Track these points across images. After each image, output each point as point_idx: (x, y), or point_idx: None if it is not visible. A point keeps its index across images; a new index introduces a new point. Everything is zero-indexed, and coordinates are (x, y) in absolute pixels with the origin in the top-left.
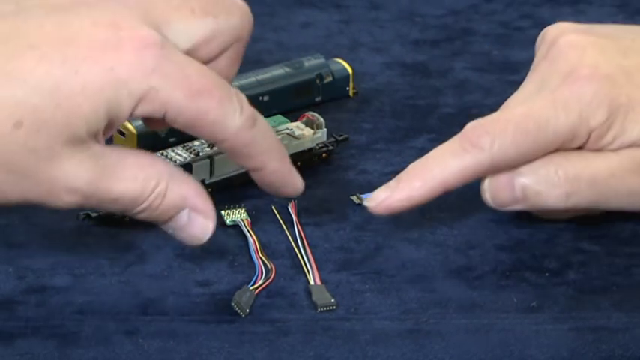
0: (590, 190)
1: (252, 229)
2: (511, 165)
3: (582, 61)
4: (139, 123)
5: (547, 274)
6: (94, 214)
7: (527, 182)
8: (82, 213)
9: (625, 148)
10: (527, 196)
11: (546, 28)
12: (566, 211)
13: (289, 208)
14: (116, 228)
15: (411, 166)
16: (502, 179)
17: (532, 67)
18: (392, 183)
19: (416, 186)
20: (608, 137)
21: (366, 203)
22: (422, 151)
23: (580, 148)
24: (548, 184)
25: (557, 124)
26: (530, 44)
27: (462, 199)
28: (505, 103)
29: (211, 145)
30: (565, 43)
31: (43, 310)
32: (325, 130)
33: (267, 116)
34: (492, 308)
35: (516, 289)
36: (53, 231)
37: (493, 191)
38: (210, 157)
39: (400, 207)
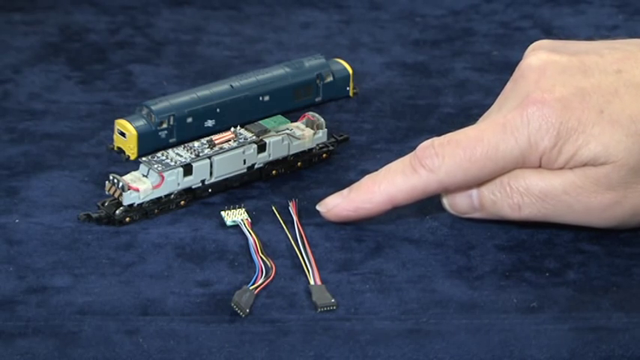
0: (543, 204)
1: (252, 229)
2: (460, 186)
3: (538, 84)
4: (139, 123)
5: (547, 274)
6: (94, 214)
7: (483, 190)
8: (82, 213)
9: (580, 166)
10: (483, 204)
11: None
12: (520, 220)
13: (290, 208)
14: (116, 228)
15: (364, 178)
16: None
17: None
18: (344, 191)
19: (363, 198)
20: (560, 160)
21: (318, 207)
22: None
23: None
24: (502, 195)
25: (505, 150)
26: (530, 44)
27: None
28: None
29: (211, 145)
30: (526, 65)
31: (44, 310)
32: (326, 130)
33: (267, 116)
34: (492, 308)
35: (516, 289)
36: (53, 231)
37: (450, 199)
38: (210, 157)
39: (347, 217)
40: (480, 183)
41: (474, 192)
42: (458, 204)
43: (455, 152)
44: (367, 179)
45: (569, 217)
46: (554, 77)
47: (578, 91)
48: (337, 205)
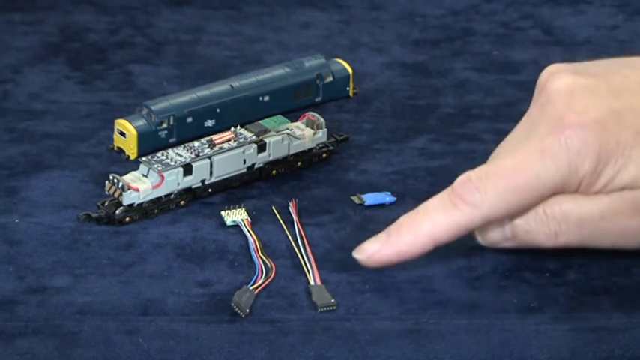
0: (580, 230)
1: (252, 229)
2: (503, 218)
3: (570, 107)
4: (139, 123)
5: (547, 274)
6: (94, 214)
7: (516, 221)
8: (82, 213)
9: (617, 190)
10: (516, 234)
11: (543, 71)
12: (554, 248)
13: (289, 208)
14: (116, 228)
15: (402, 219)
16: None
17: (527, 112)
18: (382, 235)
19: (406, 241)
20: (599, 184)
21: (355, 255)
22: (422, 151)
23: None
24: (537, 224)
25: (546, 178)
26: (530, 44)
27: None
28: (496, 150)
29: (211, 145)
30: (553, 89)
31: (43, 310)
32: (325, 130)
33: (267, 116)
34: (492, 308)
35: (516, 289)
36: (53, 231)
37: (483, 230)
38: (210, 157)
39: (389, 262)
40: (521, 213)
41: (507, 223)
42: (491, 236)
43: (496, 185)
44: (406, 220)
45: (606, 241)
46: (586, 99)
47: (612, 113)
48: (377, 251)
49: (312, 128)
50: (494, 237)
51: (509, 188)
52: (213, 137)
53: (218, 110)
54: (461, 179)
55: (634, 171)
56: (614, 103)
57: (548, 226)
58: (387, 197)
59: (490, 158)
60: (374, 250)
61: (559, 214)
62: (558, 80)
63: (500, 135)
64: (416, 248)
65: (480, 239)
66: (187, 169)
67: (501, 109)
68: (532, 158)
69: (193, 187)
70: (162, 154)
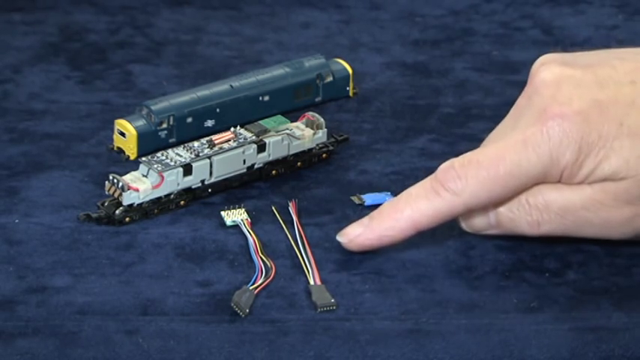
0: (562, 220)
1: (252, 229)
2: (484, 206)
3: (554, 98)
4: (139, 123)
5: (547, 274)
6: (94, 214)
7: (500, 209)
8: (82, 213)
9: (599, 181)
10: (500, 222)
11: (535, 62)
12: (538, 236)
13: (289, 208)
14: (116, 228)
15: (384, 205)
16: None
17: (516, 102)
18: (365, 220)
19: (387, 226)
20: (580, 175)
21: (338, 238)
22: (422, 151)
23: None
24: (520, 212)
25: (528, 167)
26: (530, 44)
27: None
28: (485, 141)
29: (211, 145)
30: (540, 80)
31: (43, 310)
32: (325, 130)
33: (267, 116)
34: (492, 308)
35: (516, 289)
36: (53, 231)
37: (467, 218)
38: (210, 157)
39: (370, 245)
40: (503, 201)
41: (492, 211)
42: (475, 223)
43: (478, 173)
44: (387, 206)
45: (588, 231)
46: (571, 91)
47: (596, 104)
48: (359, 235)
49: (312, 128)
50: (479, 224)
51: (490, 177)
52: (213, 137)
53: (218, 110)
54: (444, 166)
55: (615, 163)
56: (599, 95)
57: (530, 214)
58: (386, 197)
59: (478, 148)
60: (356, 234)
61: (542, 203)
62: (546, 71)
63: None
64: (396, 233)
65: (465, 226)
66: (187, 169)
67: (501, 109)
68: (514, 148)
69: (193, 187)
70: (162, 154)
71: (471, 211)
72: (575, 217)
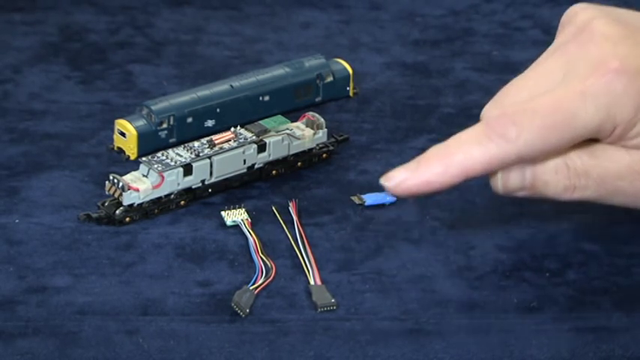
0: (598, 187)
1: (252, 229)
2: (536, 157)
3: (615, 52)
4: (139, 123)
5: (547, 274)
6: (94, 214)
7: (537, 170)
8: (82, 213)
9: (638, 148)
10: (535, 183)
11: (573, 8)
12: (569, 201)
13: (290, 208)
14: (116, 228)
15: (432, 150)
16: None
17: (555, 45)
18: (411, 164)
19: (436, 171)
20: (632, 133)
21: (383, 182)
22: (422, 151)
23: (597, 140)
24: (558, 175)
25: (585, 119)
26: (530, 44)
27: (462, 200)
28: (523, 77)
29: (211, 145)
30: (598, 31)
31: (44, 310)
32: (326, 130)
33: (267, 116)
34: (492, 308)
35: (516, 289)
36: (53, 231)
37: (505, 174)
38: (210, 157)
39: (417, 191)
40: (553, 154)
41: (528, 170)
42: (510, 180)
43: (533, 122)
44: (435, 151)
45: (621, 199)
46: (630, 49)
47: None
48: (406, 179)
49: (312, 128)
50: (514, 182)
51: (546, 126)
52: (213, 137)
53: (218, 110)
54: (496, 113)
55: None
56: None
57: (569, 178)
58: (387, 197)
59: (509, 85)
60: (402, 178)
61: (581, 168)
62: (605, 25)
63: None
64: (446, 179)
65: (499, 184)
66: (187, 169)
67: None
68: (572, 98)
69: (193, 187)
70: (163, 154)
71: (522, 162)
72: (610, 186)
